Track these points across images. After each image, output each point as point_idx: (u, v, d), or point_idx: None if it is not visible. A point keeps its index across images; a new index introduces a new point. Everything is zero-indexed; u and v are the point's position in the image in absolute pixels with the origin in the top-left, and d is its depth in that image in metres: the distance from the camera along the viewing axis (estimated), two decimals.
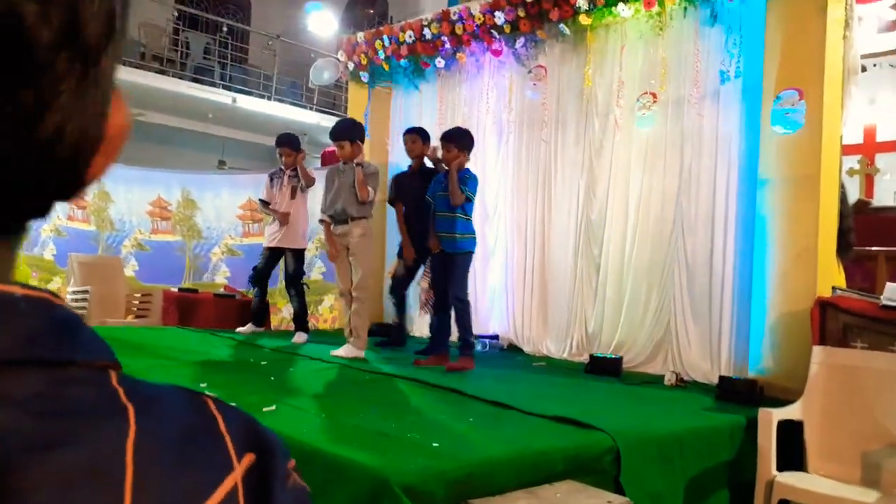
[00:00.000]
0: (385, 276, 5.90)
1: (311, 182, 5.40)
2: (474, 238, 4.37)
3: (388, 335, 5.33)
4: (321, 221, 4.68)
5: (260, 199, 5.63)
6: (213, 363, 3.84)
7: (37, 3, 0.28)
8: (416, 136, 5.11)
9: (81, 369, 0.32)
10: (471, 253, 4.34)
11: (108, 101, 0.33)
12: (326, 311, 7.34)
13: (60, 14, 0.28)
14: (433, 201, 4.38)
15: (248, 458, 0.35)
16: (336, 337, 5.81)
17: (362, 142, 4.72)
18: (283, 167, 5.46)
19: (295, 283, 5.37)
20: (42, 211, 0.33)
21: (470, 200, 4.28)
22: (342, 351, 4.37)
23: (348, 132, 4.59)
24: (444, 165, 4.47)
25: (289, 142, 5.47)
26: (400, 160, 6.27)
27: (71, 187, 0.34)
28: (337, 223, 4.51)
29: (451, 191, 4.19)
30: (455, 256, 4.25)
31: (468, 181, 4.27)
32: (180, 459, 0.32)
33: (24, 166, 0.30)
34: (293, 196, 5.38)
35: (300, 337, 5.20)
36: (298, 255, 5.41)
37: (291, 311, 5.60)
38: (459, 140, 4.31)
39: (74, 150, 0.31)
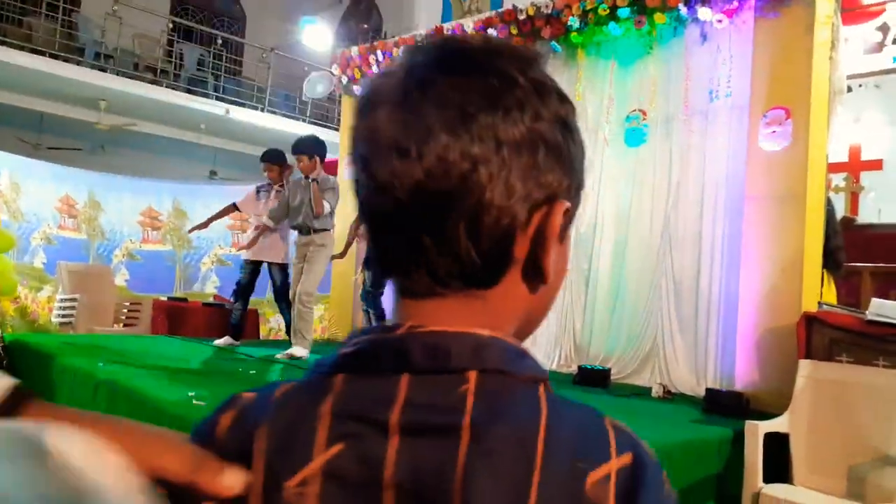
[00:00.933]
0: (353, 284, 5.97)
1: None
2: None
3: None
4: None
5: (233, 203, 5.56)
6: (202, 372, 3.83)
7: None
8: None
9: (519, 379, 0.49)
10: None
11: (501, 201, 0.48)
12: (316, 322, 7.34)
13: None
14: None
15: (626, 457, 0.47)
16: (326, 345, 5.82)
17: (322, 158, 4.79)
18: (271, 182, 5.41)
19: (285, 296, 5.31)
20: (488, 279, 0.50)
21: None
22: (289, 352, 4.59)
23: (308, 147, 4.72)
24: None
25: (272, 157, 5.40)
26: None
27: (500, 263, 0.50)
28: (301, 234, 4.76)
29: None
30: None
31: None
32: (574, 447, 0.47)
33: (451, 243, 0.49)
34: None
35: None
36: (283, 268, 5.33)
37: (281, 322, 5.57)
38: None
39: (490, 228, 0.49)
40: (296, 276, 4.80)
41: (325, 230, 4.69)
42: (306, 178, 4.70)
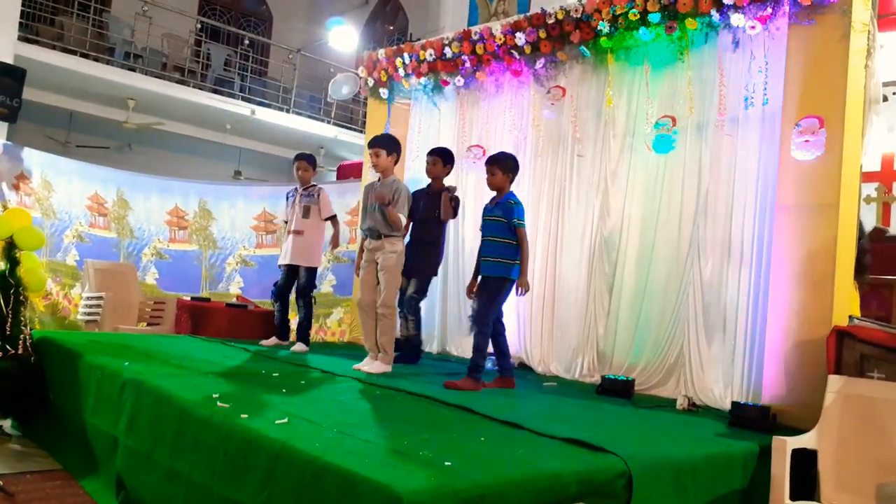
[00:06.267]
0: None
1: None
2: (518, 265, 4.25)
3: (399, 349, 5.34)
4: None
5: (284, 221, 5.81)
6: (225, 373, 3.85)
7: None
8: (438, 158, 5.26)
9: None
10: (507, 280, 4.24)
11: None
12: (335, 325, 7.37)
13: None
14: (482, 230, 4.41)
15: None
16: (346, 349, 5.83)
17: (398, 158, 4.78)
18: (297, 187, 5.63)
19: (304, 295, 5.53)
20: None
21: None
22: (370, 367, 4.41)
23: (386, 142, 4.68)
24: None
25: (307, 157, 5.69)
26: (417, 176, 6.31)
27: None
28: (371, 238, 4.61)
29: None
30: (490, 279, 4.24)
31: (515, 208, 4.24)
32: None
33: None
34: (305, 215, 5.49)
35: (300, 347, 5.36)
36: (311, 271, 5.54)
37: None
38: (503, 162, 4.35)
39: None
40: (365, 286, 4.62)
41: (396, 236, 4.56)
42: (382, 177, 4.63)
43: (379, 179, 4.68)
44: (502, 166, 4.33)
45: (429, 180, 5.38)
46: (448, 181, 5.37)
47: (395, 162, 4.72)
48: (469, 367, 4.20)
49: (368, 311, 4.55)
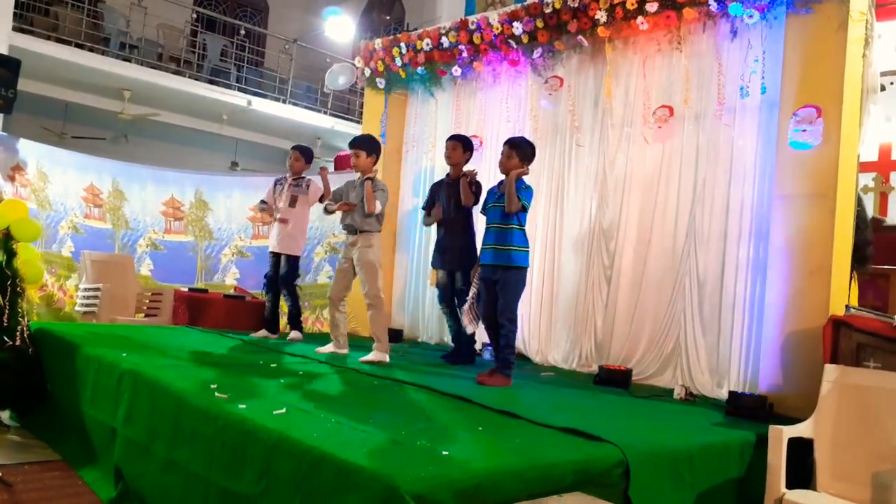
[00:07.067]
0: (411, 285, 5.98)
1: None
2: (528, 252, 4.15)
3: (455, 351, 5.06)
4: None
5: (261, 200, 5.75)
6: (223, 364, 3.85)
7: None
8: (458, 144, 4.99)
9: None
10: (525, 269, 4.13)
11: None
12: None
13: None
14: (485, 214, 4.30)
15: None
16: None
17: (377, 158, 4.85)
18: (286, 176, 5.64)
19: (287, 284, 5.53)
20: None
21: (525, 210, 4.10)
22: (369, 356, 4.43)
23: (366, 144, 4.77)
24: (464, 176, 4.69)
25: (301, 148, 5.69)
26: (415, 167, 6.30)
27: None
28: (349, 234, 4.72)
29: (507, 196, 4.03)
30: (500, 270, 4.07)
31: (524, 191, 4.10)
32: None
33: None
34: (292, 204, 5.48)
35: (294, 335, 5.43)
36: (293, 260, 5.54)
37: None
38: (522, 149, 4.19)
39: None
40: (339, 280, 4.72)
41: (372, 231, 4.63)
42: (362, 176, 4.69)
43: (359, 177, 4.73)
44: (520, 152, 4.15)
45: (430, 168, 5.34)
46: (447, 170, 5.30)
47: (375, 162, 4.79)
48: (499, 364, 4.07)
49: (335, 304, 4.75)
